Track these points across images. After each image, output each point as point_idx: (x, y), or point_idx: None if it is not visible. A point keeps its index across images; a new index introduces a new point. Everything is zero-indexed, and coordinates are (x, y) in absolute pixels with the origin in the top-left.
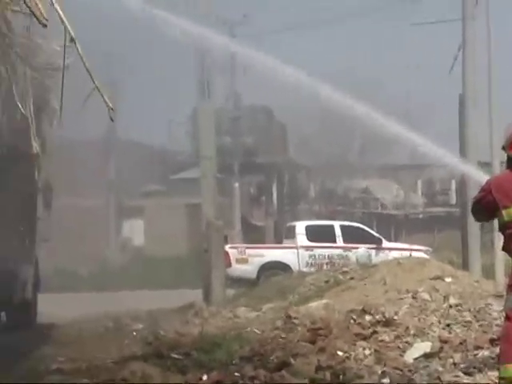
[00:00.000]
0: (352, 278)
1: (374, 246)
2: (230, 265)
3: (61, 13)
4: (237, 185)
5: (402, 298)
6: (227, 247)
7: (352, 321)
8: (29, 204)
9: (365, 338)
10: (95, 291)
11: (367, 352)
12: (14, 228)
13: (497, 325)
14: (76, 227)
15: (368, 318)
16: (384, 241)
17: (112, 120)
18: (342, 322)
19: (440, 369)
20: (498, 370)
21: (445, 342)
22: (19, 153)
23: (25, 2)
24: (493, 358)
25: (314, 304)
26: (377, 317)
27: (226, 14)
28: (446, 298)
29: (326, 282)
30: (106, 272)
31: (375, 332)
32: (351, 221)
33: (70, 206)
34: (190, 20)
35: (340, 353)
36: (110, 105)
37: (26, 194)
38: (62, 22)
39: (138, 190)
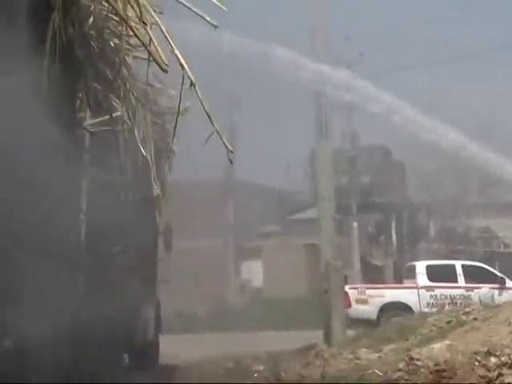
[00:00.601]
0: (475, 319)
1: (497, 285)
2: (349, 305)
3: (181, 59)
4: (355, 224)
5: None
6: (347, 288)
7: (477, 363)
8: (150, 246)
9: (490, 381)
10: (215, 332)
11: None
12: (136, 269)
13: None
14: (195, 269)
15: (493, 360)
16: (507, 280)
17: (231, 162)
18: (466, 364)
19: None
20: None
21: None
22: (141, 195)
23: (146, 49)
24: None
25: (436, 345)
26: (502, 359)
27: (342, 53)
28: None
29: (448, 322)
30: (225, 313)
31: (501, 374)
32: (472, 260)
33: (190, 248)
34: (308, 60)
35: None
36: (230, 147)
37: (148, 235)
38: (182, 67)
39: (256, 231)
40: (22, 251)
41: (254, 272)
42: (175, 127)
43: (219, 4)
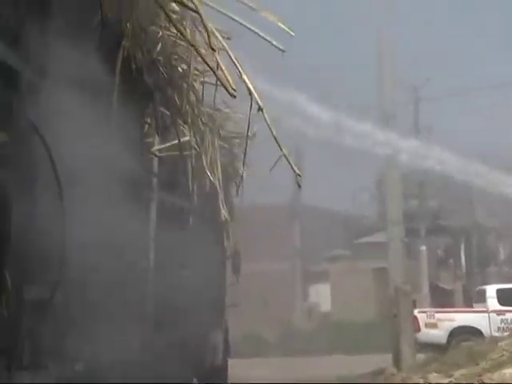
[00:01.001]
0: None
1: None
2: (418, 329)
3: (249, 84)
4: (424, 248)
5: None
6: (416, 312)
7: None
8: (219, 269)
9: None
10: (283, 356)
11: None
12: (206, 293)
13: None
14: (263, 292)
15: None
16: None
17: (299, 186)
18: None
19: None
20: None
21: None
22: (209, 220)
23: (214, 74)
24: None
25: (508, 371)
26: None
27: (409, 78)
28: None
29: None
30: (293, 337)
31: None
32: None
33: (257, 272)
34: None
35: None
36: (298, 171)
37: (217, 259)
38: (250, 92)
39: (323, 255)
40: (94, 277)
41: (321, 296)
42: (245, 152)
43: (286, 28)
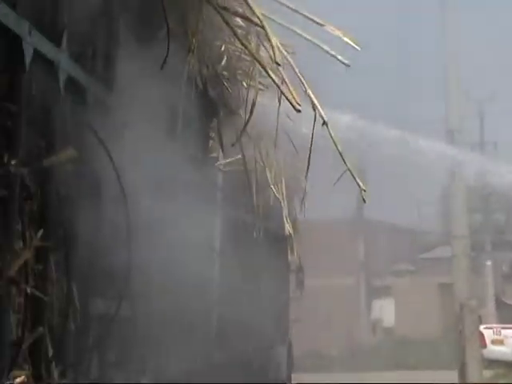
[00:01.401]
0: None
1: None
2: (485, 346)
3: (314, 99)
4: (489, 263)
5: None
6: (482, 328)
7: None
8: (283, 284)
9: None
10: (346, 372)
11: None
12: (270, 308)
13: None
14: (326, 307)
15: None
16: None
17: (364, 201)
18: None
19: None
20: None
21: None
22: (273, 234)
23: (279, 88)
24: None
25: None
26: None
27: (474, 92)
28: None
29: None
30: (357, 352)
31: None
32: None
33: (321, 286)
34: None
35: None
36: (363, 186)
37: (281, 274)
38: (314, 107)
39: (388, 270)
40: (160, 290)
41: (385, 311)
42: (307, 166)
43: (352, 43)
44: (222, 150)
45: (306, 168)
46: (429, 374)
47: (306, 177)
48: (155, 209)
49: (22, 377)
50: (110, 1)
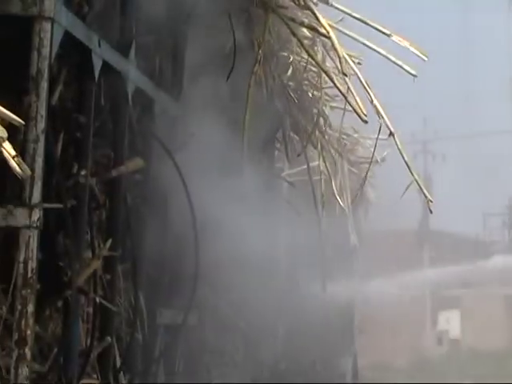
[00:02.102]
0: None
1: None
2: None
3: (380, 110)
4: None
5: None
6: None
7: None
8: (348, 295)
9: None
10: (411, 383)
11: None
12: (336, 319)
13: None
14: (391, 318)
15: None
16: None
17: (431, 212)
18: None
19: None
20: None
21: None
22: (339, 245)
23: (346, 99)
24: None
25: None
26: None
27: None
28: None
29: None
30: (423, 364)
31: None
32: None
33: (386, 297)
34: None
35: None
36: (429, 197)
37: (346, 284)
38: (381, 117)
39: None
40: (227, 299)
41: (451, 322)
42: (365, 176)
43: (419, 53)
44: (288, 161)
45: (370, 178)
46: None
47: (371, 188)
48: (221, 218)
49: None
50: (176, 13)
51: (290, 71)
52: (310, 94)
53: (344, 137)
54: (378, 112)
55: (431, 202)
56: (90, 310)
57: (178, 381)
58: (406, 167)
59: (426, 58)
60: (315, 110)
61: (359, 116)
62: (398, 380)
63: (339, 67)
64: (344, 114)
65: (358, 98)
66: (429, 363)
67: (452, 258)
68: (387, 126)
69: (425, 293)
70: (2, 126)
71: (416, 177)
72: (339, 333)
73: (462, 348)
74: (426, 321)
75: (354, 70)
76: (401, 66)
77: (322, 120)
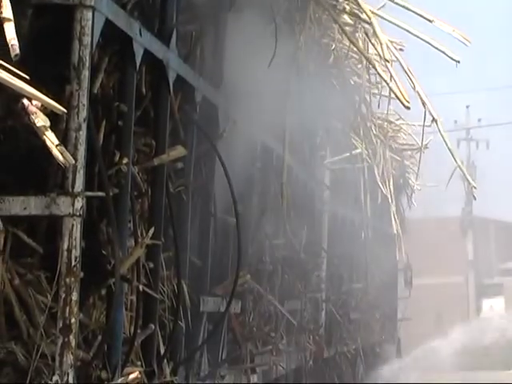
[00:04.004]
0: None
1: None
2: None
3: (423, 95)
4: None
5: None
6: None
7: None
8: (391, 283)
9: None
10: (457, 371)
11: None
12: (377, 307)
13: None
14: (435, 306)
15: None
16: None
17: (475, 198)
18: None
19: None
20: None
21: None
22: (381, 232)
23: (388, 85)
24: None
25: None
26: None
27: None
28: None
29: None
30: (467, 351)
31: None
32: None
33: (430, 285)
34: None
35: None
36: (474, 184)
37: (389, 273)
38: (424, 104)
39: (497, 268)
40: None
41: (495, 309)
42: (419, 164)
43: (462, 38)
44: (330, 148)
45: (414, 166)
46: None
47: (414, 174)
48: (263, 208)
49: (136, 373)
50: (217, 1)
51: (331, 58)
52: (352, 81)
53: (387, 124)
54: (420, 98)
55: (475, 188)
56: (134, 297)
57: (221, 369)
58: (450, 154)
59: (468, 44)
60: (357, 97)
61: (402, 103)
62: (443, 366)
63: (381, 54)
64: (389, 101)
65: (400, 85)
66: (473, 350)
67: (496, 246)
68: (430, 113)
69: (468, 280)
70: (45, 114)
71: (459, 163)
72: (383, 319)
73: (506, 335)
74: (470, 307)
75: (396, 57)
76: (444, 52)
77: (363, 107)
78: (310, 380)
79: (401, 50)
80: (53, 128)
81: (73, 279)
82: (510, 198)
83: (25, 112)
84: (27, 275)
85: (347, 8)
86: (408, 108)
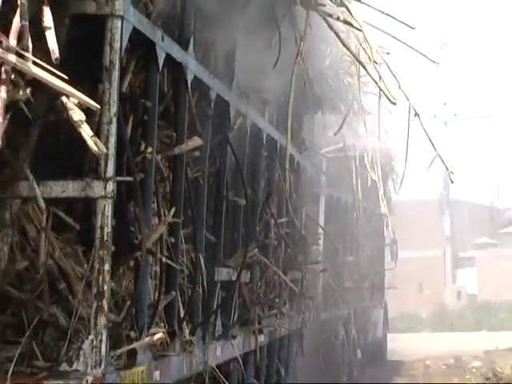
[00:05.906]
0: None
1: None
2: None
3: (406, 93)
4: None
5: None
6: None
7: None
8: (379, 256)
9: None
10: (434, 332)
11: None
12: (367, 277)
13: None
14: (417, 276)
15: None
16: None
17: (452, 182)
18: None
19: None
20: None
21: None
22: (370, 212)
23: (377, 85)
24: None
25: None
26: None
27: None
28: None
29: None
30: (443, 315)
31: None
32: None
33: (412, 258)
34: None
35: None
36: (451, 169)
37: (377, 247)
38: (408, 100)
39: (471, 243)
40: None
41: (469, 279)
42: (406, 154)
43: (441, 43)
44: (326, 139)
45: (398, 154)
46: (509, 335)
47: (401, 162)
48: (267, 189)
49: (160, 333)
50: (230, 11)
51: (327, 61)
52: (346, 82)
53: (375, 118)
54: (405, 96)
55: (453, 173)
56: (157, 268)
57: (233, 330)
58: (430, 144)
59: (445, 47)
60: (350, 95)
61: (389, 99)
62: (422, 329)
63: (371, 57)
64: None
65: (387, 84)
66: (449, 314)
67: (470, 223)
68: (413, 108)
69: (445, 253)
70: (81, 110)
71: (438, 152)
72: (372, 288)
73: (478, 301)
74: (447, 277)
75: (384, 60)
76: (424, 55)
77: (355, 104)
78: (308, 340)
79: (387, 53)
80: (88, 121)
81: (105, 252)
82: (482, 182)
83: (64, 108)
84: (66, 249)
85: (341, 17)
86: (394, 103)
